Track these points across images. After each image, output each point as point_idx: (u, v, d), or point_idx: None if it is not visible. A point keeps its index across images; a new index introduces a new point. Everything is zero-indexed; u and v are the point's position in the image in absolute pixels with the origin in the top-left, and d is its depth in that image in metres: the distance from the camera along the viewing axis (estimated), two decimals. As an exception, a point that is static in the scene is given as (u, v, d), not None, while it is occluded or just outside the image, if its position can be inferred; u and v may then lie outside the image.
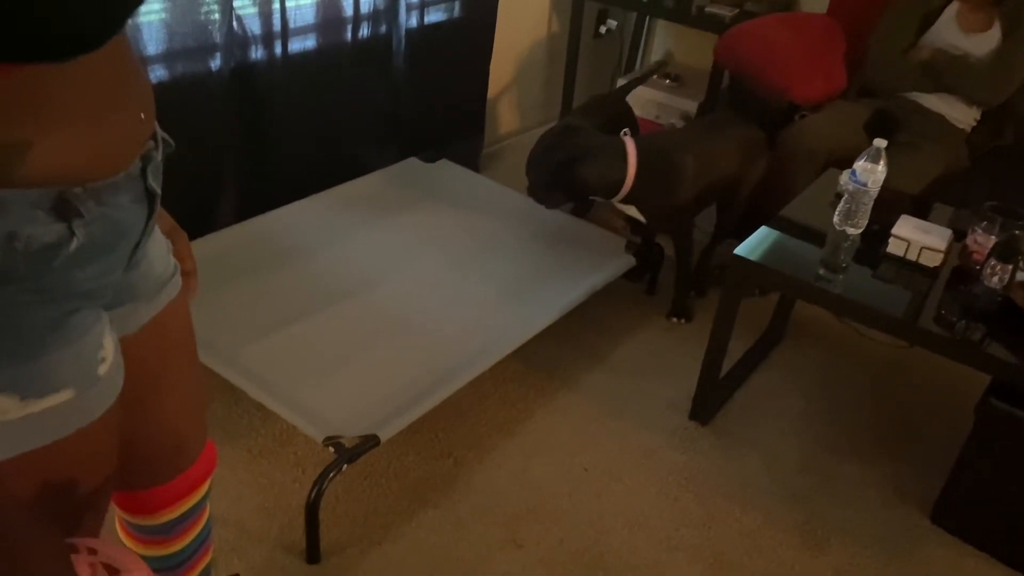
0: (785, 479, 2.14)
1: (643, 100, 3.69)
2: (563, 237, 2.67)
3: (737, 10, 3.24)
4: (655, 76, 3.71)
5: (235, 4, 2.29)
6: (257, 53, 2.41)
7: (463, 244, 2.58)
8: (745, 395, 2.41)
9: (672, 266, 2.70)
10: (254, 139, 2.50)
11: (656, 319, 2.68)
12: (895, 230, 2.04)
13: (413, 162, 2.98)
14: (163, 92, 2.25)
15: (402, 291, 2.34)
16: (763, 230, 2.16)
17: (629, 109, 3.06)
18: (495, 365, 2.13)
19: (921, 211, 2.56)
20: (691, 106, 3.57)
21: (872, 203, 2.08)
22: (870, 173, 2.03)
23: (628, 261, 2.57)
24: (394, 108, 2.90)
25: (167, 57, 2.20)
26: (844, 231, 2.11)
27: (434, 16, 2.94)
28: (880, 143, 2.03)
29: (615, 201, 2.43)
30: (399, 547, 1.83)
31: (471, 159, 3.36)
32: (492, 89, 3.37)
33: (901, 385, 2.52)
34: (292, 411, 1.83)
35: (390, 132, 2.94)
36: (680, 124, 3.57)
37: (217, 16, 2.24)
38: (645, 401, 2.34)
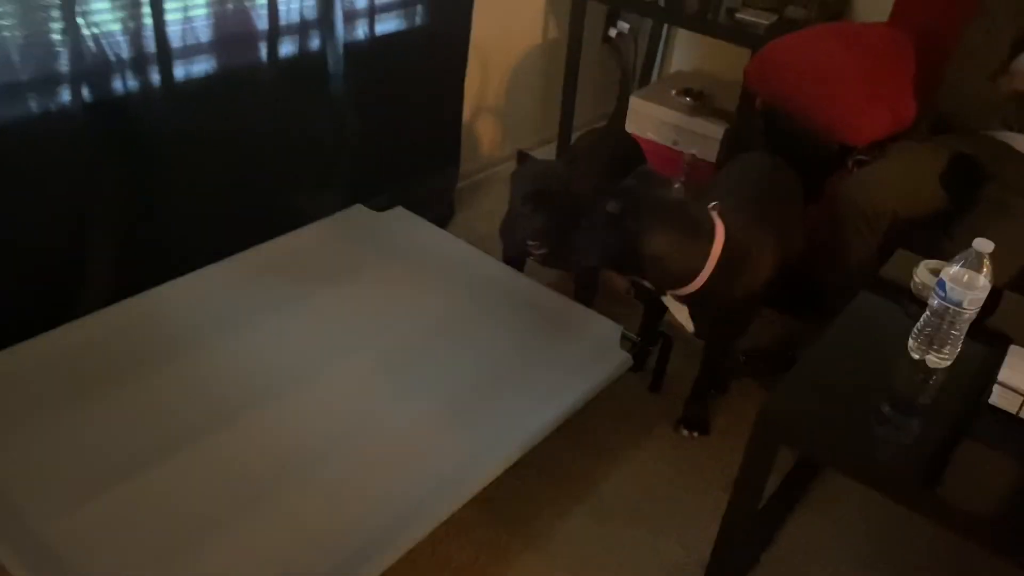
0: None
1: (658, 122, 3.04)
2: (540, 322, 2.04)
3: (776, 17, 2.57)
4: (673, 92, 3.06)
5: (89, 16, 1.68)
6: (126, 82, 1.80)
7: (405, 333, 1.96)
8: (777, 556, 1.78)
9: (684, 354, 2.07)
10: (128, 194, 1.89)
11: (661, 430, 2.06)
12: (1003, 375, 1.38)
13: (358, 211, 2.36)
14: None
15: (307, 413, 1.72)
16: (803, 363, 1.53)
17: (636, 145, 2.43)
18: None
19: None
20: (716, 131, 2.92)
21: (968, 327, 1.44)
22: (967, 288, 1.38)
23: (623, 361, 1.94)
24: (334, 143, 2.28)
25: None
26: (923, 361, 1.47)
27: (387, 26, 2.31)
28: (984, 246, 1.38)
29: (671, 295, 1.77)
30: None
31: (443, 196, 2.74)
32: (472, 106, 2.74)
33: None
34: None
35: (328, 173, 2.33)
36: (698, 152, 2.92)
37: (58, 33, 1.64)
38: (643, 567, 1.72)
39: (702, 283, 1.68)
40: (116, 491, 1.50)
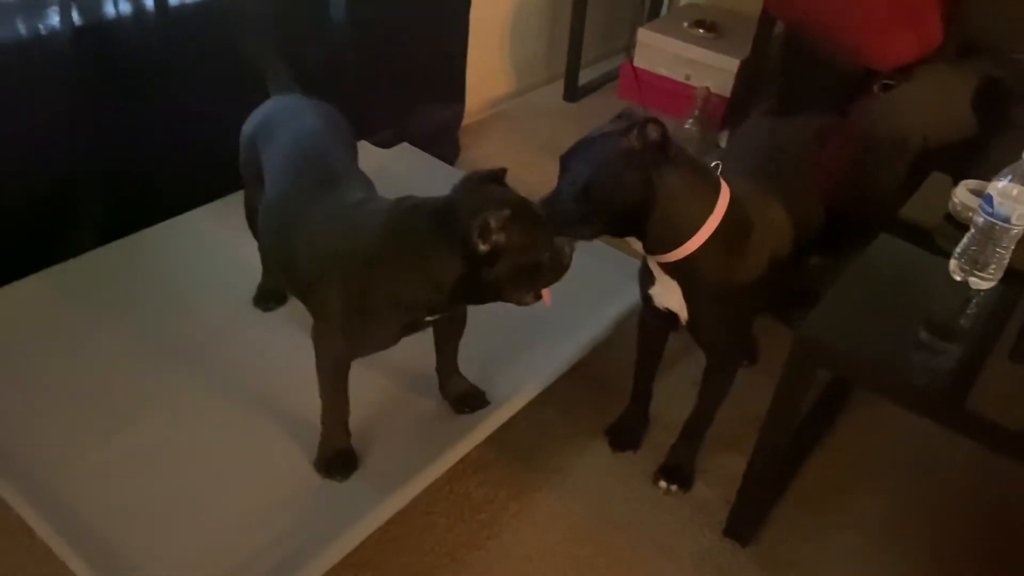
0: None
1: (670, 56, 2.94)
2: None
3: (795, -62, 2.45)
4: (686, 24, 2.95)
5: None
6: (119, 5, 1.70)
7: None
8: (801, 492, 1.73)
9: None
10: (120, 129, 1.81)
11: (680, 367, 1.98)
12: (1054, 292, 1.32)
13: (363, 148, 2.25)
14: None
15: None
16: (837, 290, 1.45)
17: None
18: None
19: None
20: (731, 64, 2.81)
21: (1014, 245, 1.36)
22: (1017, 203, 1.31)
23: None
24: (334, 76, 2.18)
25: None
26: (966, 283, 1.40)
27: (389, -50, 2.20)
28: (1037, 155, 1.31)
29: (660, 262, 1.42)
30: None
31: (447, 135, 2.64)
32: (476, 40, 2.63)
33: None
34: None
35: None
36: (712, 86, 2.81)
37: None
38: (664, 502, 1.68)
39: (696, 247, 1.35)
40: (120, 438, 1.45)
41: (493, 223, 1.15)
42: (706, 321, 1.48)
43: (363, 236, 1.26)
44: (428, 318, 1.36)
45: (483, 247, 1.16)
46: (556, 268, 1.28)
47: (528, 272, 1.23)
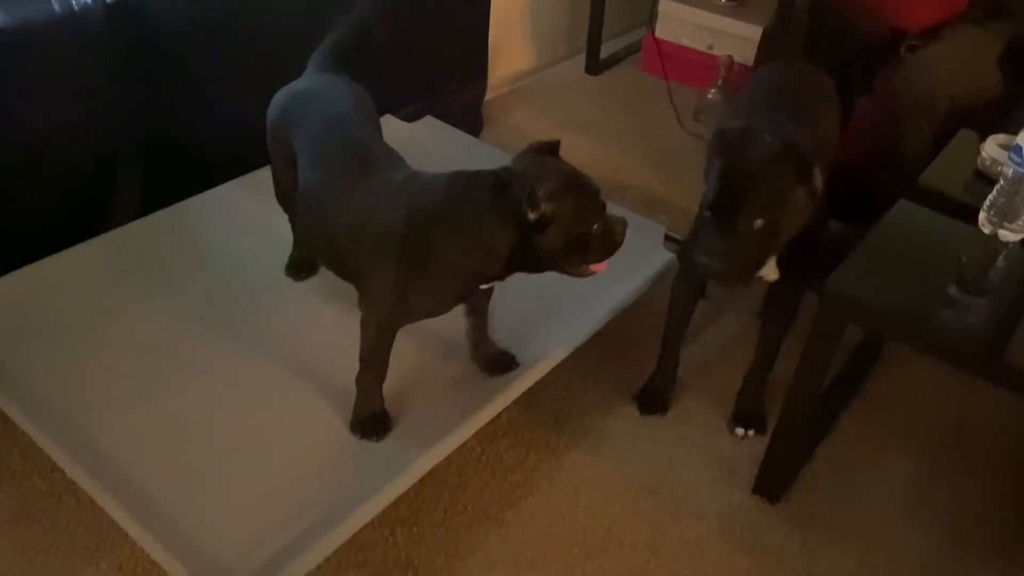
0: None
1: (692, 25, 2.93)
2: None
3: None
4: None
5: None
6: (147, -19, 1.73)
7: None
8: (830, 452, 1.73)
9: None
10: (150, 104, 1.84)
11: (706, 335, 1.99)
12: (1085, 243, 1.32)
13: (389, 121, 2.28)
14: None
15: (348, 321, 1.69)
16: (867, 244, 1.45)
17: None
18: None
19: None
20: (754, 32, 2.80)
21: (1045, 196, 1.36)
22: (1047, 152, 1.30)
23: (667, 262, 1.88)
24: (360, 50, 2.20)
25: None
26: (995, 236, 1.40)
27: (411, -77, 2.21)
28: (1067, 104, 1.30)
29: None
30: None
31: (470, 109, 2.65)
32: (497, 16, 2.63)
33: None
34: (159, 541, 1.23)
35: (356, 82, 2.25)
36: (734, 55, 2.80)
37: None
38: (693, 462, 1.69)
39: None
40: (161, 400, 1.49)
41: (541, 193, 1.20)
42: (791, 261, 1.50)
43: (421, 209, 1.30)
44: (482, 286, 1.41)
45: (532, 215, 1.21)
46: (608, 242, 1.32)
47: (578, 243, 1.27)
